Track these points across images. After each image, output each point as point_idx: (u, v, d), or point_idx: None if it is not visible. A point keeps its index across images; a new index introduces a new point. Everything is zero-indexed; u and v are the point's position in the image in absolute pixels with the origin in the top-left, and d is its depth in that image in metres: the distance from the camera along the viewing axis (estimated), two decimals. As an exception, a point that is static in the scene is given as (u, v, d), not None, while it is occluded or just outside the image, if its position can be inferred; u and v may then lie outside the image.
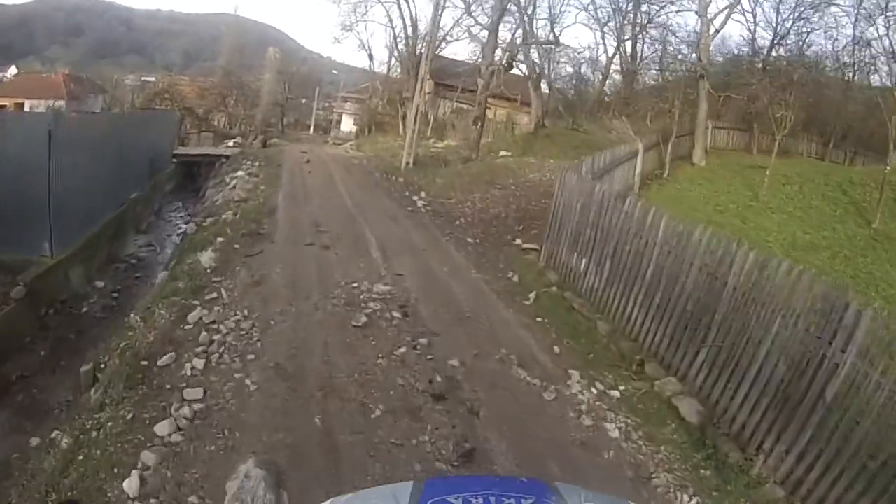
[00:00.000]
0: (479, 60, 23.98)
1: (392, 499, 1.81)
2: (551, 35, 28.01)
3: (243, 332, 6.64)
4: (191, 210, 17.74)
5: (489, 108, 32.53)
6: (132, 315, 7.48)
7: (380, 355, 6.44)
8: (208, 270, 8.66)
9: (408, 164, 20.08)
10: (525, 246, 12.07)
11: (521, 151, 25.47)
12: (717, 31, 23.78)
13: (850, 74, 30.09)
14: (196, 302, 7.44)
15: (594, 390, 6.63)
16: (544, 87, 32.78)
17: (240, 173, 18.63)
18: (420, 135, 21.26)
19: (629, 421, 6.13)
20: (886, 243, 15.01)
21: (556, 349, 7.57)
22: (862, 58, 29.10)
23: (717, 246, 6.89)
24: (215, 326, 6.74)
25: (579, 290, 9.40)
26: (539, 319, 8.50)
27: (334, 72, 59.21)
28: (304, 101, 53.43)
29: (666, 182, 18.66)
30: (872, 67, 28.98)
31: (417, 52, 29.60)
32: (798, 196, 18.26)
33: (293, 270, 8.89)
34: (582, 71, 39.22)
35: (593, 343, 7.99)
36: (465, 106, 33.36)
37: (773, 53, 30.57)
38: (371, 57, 46.61)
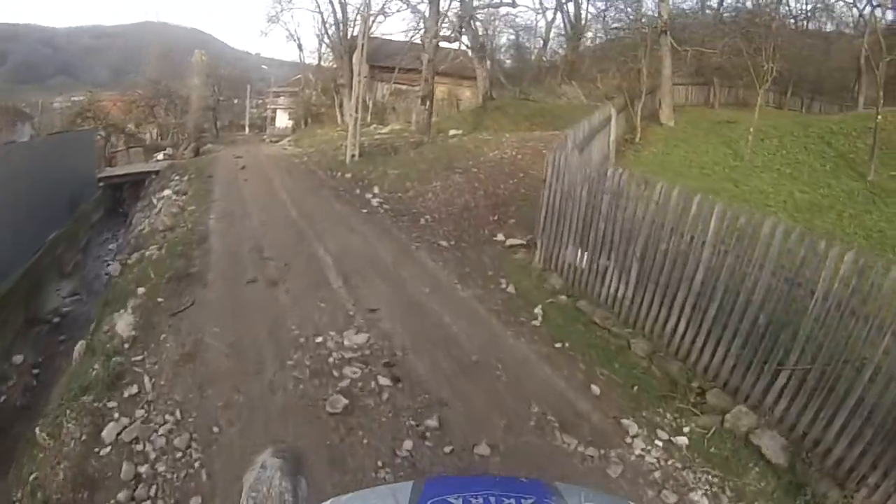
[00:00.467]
0: (422, 33, 21.69)
1: (392, 499, 1.74)
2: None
3: (179, 455, 4.59)
4: (120, 241, 15.18)
5: (430, 86, 30.73)
6: (38, 430, 5.32)
7: (379, 462, 4.49)
8: (126, 344, 6.44)
9: (353, 156, 17.87)
10: (509, 242, 10.29)
11: (471, 128, 23.73)
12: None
13: (804, 21, 29.54)
14: (112, 403, 5.31)
15: (659, 442, 5.17)
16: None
17: (166, 192, 16.17)
18: (361, 122, 19.10)
19: (711, 478, 4.86)
20: (885, 196, 13.97)
21: (595, 388, 5.90)
22: (814, 4, 28.61)
23: (796, 244, 5.34)
24: (140, 448, 4.69)
25: (597, 298, 7.68)
26: (558, 345, 6.75)
27: (263, 67, 56.33)
28: (236, 101, 50.97)
29: (640, 147, 17.22)
30: (825, 14, 28.49)
31: (349, 35, 28.10)
32: (781, 151, 17.16)
33: (235, 327, 6.71)
34: (520, 38, 37.66)
35: (631, 368, 6.39)
36: (403, 87, 31.64)
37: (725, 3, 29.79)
38: (300, 47, 46.42)
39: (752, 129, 16.56)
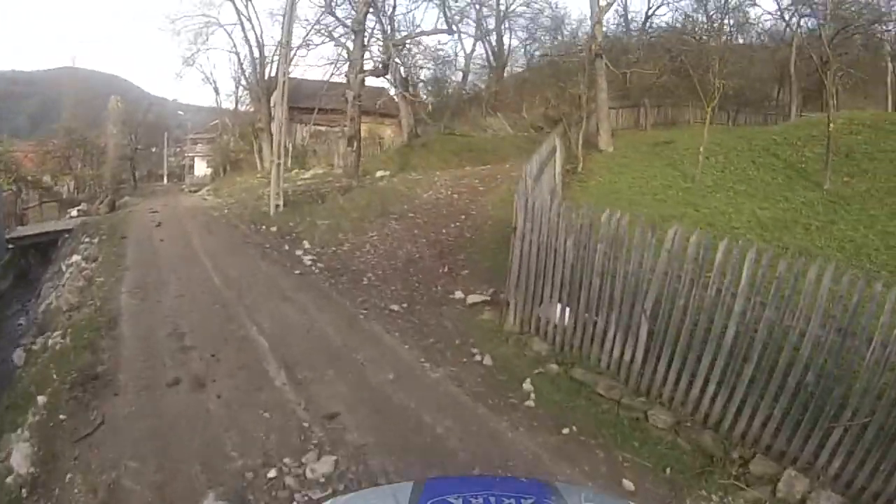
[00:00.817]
0: (346, 68, 20.57)
1: (392, 498, 1.75)
2: (441, 23, 25.53)
3: None
4: (30, 315, 12.87)
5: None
6: None
7: None
8: (24, 489, 4.89)
9: (277, 207, 16.44)
10: (471, 300, 9.25)
11: (398, 168, 22.90)
12: (609, 5, 22.42)
13: (729, 37, 30.60)
14: None
15: (716, 534, 4.28)
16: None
17: (75, 258, 14.21)
18: (283, 167, 17.89)
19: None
20: (845, 204, 14.00)
21: (627, 483, 5.00)
22: (737, 18, 29.83)
23: (848, 289, 4.81)
24: None
25: (595, 363, 6.74)
26: (566, 431, 5.71)
27: (180, 112, 54.34)
28: (154, 150, 50.03)
29: (584, 177, 16.73)
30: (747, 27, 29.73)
31: (267, 75, 28.06)
32: (729, 168, 17.18)
33: (158, 459, 5.15)
34: (438, 72, 37.50)
35: (655, 445, 5.53)
36: (322, 128, 31.17)
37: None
38: (217, 90, 45.92)
39: (701, 149, 16.38)
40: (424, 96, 37.34)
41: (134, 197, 31.62)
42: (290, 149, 28.89)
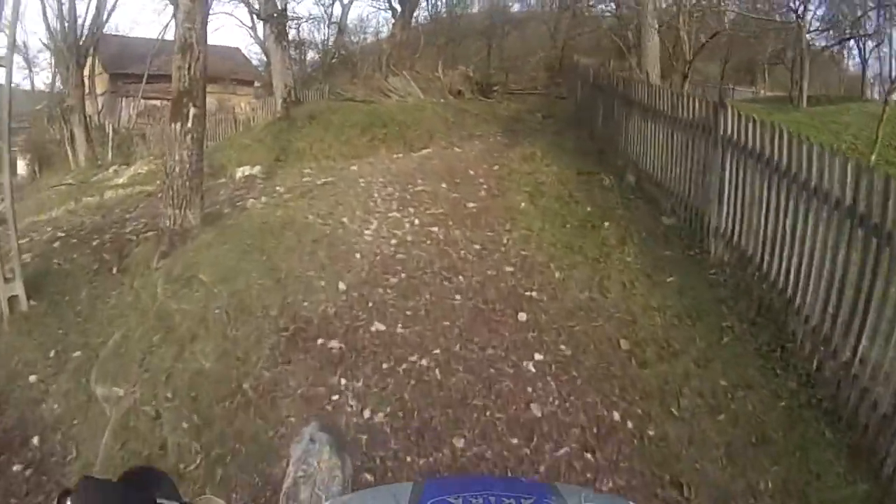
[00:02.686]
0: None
1: (391, 499, 1.44)
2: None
3: None
4: None
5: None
6: None
7: None
8: None
9: (14, 300, 5.59)
10: None
11: (273, 158, 12.40)
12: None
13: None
14: None
15: None
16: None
17: None
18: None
19: None
20: None
21: None
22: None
23: None
24: None
25: None
26: None
27: None
28: None
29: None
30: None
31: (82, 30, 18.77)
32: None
33: None
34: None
35: None
36: (157, 103, 21.48)
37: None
38: (29, 63, 28.83)
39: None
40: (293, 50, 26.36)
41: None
42: (112, 134, 18.78)
